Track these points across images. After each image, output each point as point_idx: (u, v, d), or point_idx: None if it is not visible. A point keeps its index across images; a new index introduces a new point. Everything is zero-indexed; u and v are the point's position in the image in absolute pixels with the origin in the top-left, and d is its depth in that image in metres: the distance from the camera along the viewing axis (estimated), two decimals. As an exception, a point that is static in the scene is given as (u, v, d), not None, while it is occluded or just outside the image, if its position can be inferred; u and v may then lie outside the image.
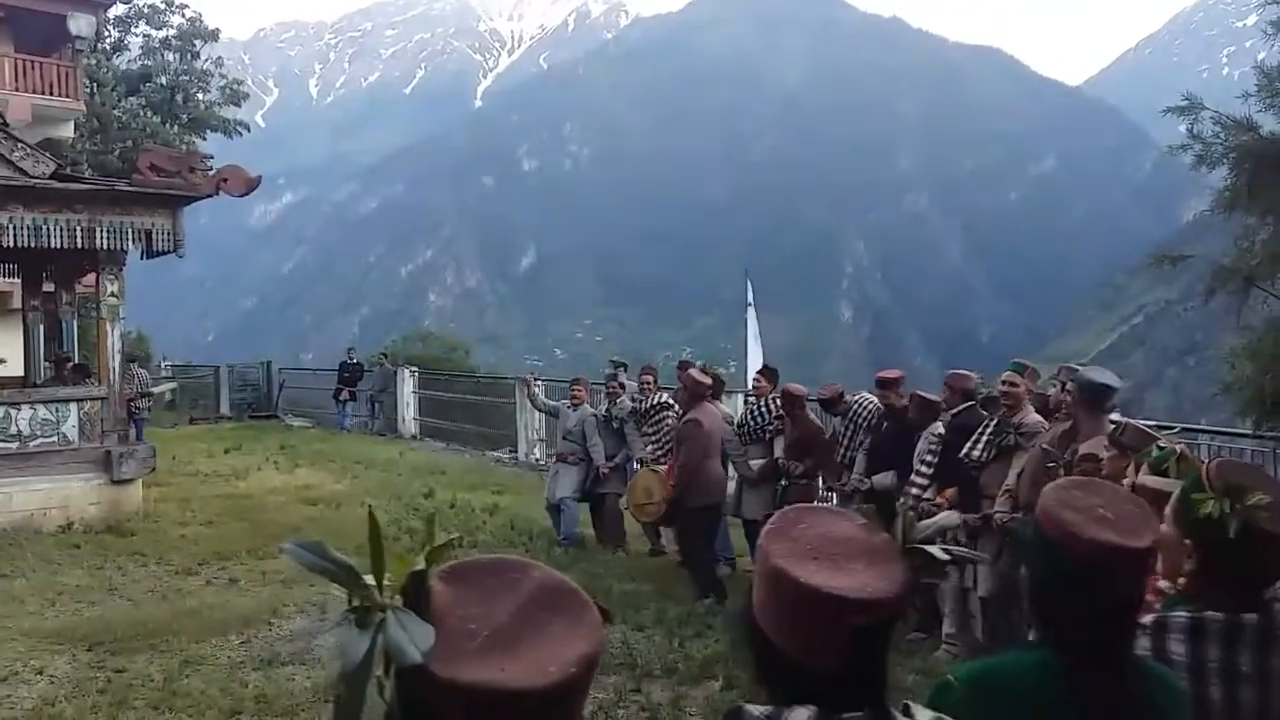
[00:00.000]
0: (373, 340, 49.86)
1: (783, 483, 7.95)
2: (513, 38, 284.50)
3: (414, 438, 18.57)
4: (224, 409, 23.21)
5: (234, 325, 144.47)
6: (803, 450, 7.87)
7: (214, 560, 8.65)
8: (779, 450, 8.09)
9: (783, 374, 8.76)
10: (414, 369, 20.12)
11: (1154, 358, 77.34)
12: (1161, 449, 2.79)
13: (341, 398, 20.54)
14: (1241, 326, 5.27)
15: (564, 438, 9.60)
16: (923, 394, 6.97)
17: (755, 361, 14.85)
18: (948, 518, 1.46)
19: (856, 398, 7.74)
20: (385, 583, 0.95)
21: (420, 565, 0.95)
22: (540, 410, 10.95)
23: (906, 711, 1.30)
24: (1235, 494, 1.81)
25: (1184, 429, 7.98)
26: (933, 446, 6.51)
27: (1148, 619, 1.89)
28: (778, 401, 8.25)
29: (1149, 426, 5.47)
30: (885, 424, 7.18)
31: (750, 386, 9.83)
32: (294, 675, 5.78)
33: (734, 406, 11.57)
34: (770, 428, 8.25)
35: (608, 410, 9.50)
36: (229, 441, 16.79)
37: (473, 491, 11.95)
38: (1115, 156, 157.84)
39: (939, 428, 6.62)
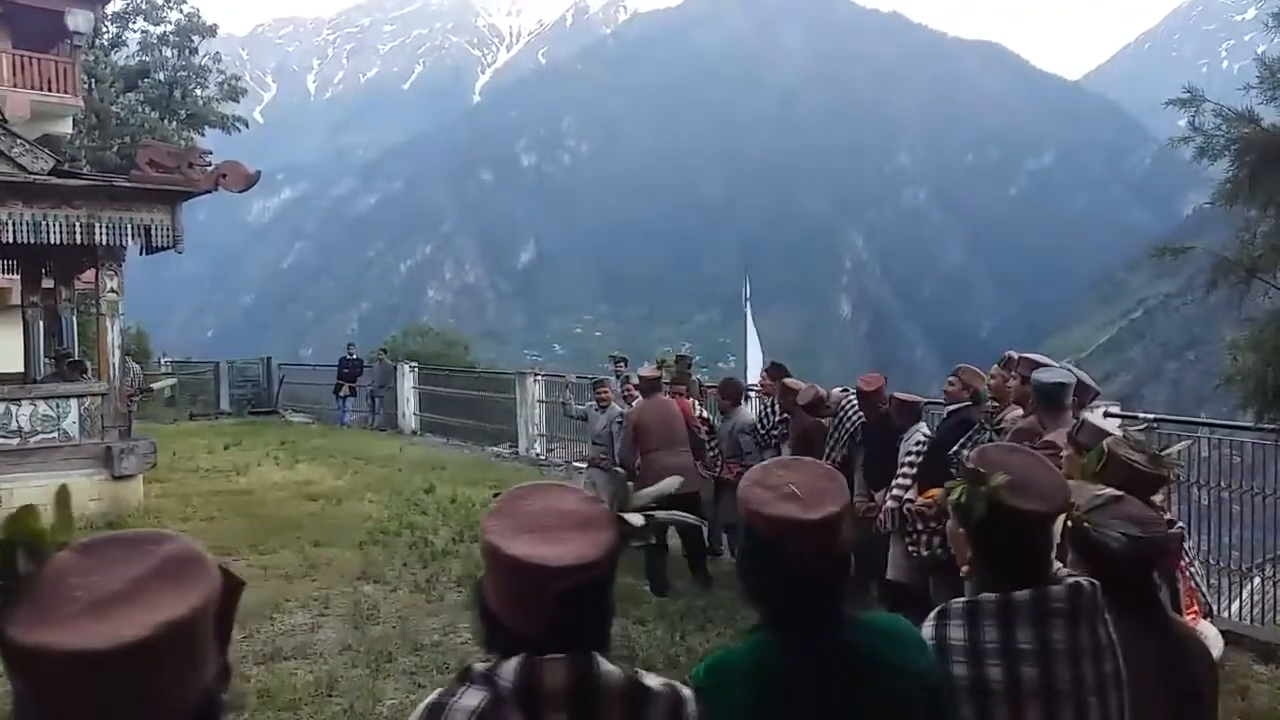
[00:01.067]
0: (372, 336, 49.90)
1: None
2: (511, 33, 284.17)
3: (414, 433, 18.58)
4: (224, 405, 23.21)
5: (233, 321, 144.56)
6: (806, 448, 7.45)
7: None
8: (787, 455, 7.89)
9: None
10: (414, 364, 20.12)
11: (1154, 352, 77.37)
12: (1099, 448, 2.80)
13: (341, 393, 20.54)
14: (1243, 318, 5.27)
15: (594, 441, 9.30)
16: (900, 396, 6.78)
17: (755, 358, 14.84)
18: (668, 483, 1.59)
19: (844, 399, 7.43)
20: None
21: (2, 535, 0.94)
22: (573, 418, 10.63)
23: (637, 676, 1.43)
24: (976, 477, 1.86)
25: (1184, 422, 8.00)
26: (916, 447, 6.33)
27: (932, 613, 1.91)
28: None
29: (1124, 422, 5.48)
30: (877, 434, 6.88)
31: (757, 385, 9.58)
32: (295, 670, 5.78)
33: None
34: (776, 432, 7.96)
35: (623, 413, 8.97)
36: (229, 437, 16.79)
37: (473, 487, 11.94)
38: (1114, 151, 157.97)
39: (923, 428, 6.53)
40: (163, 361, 27.26)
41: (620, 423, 8.81)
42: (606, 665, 1.38)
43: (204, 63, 28.94)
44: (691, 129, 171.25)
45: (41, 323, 15.38)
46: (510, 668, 1.36)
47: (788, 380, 7.87)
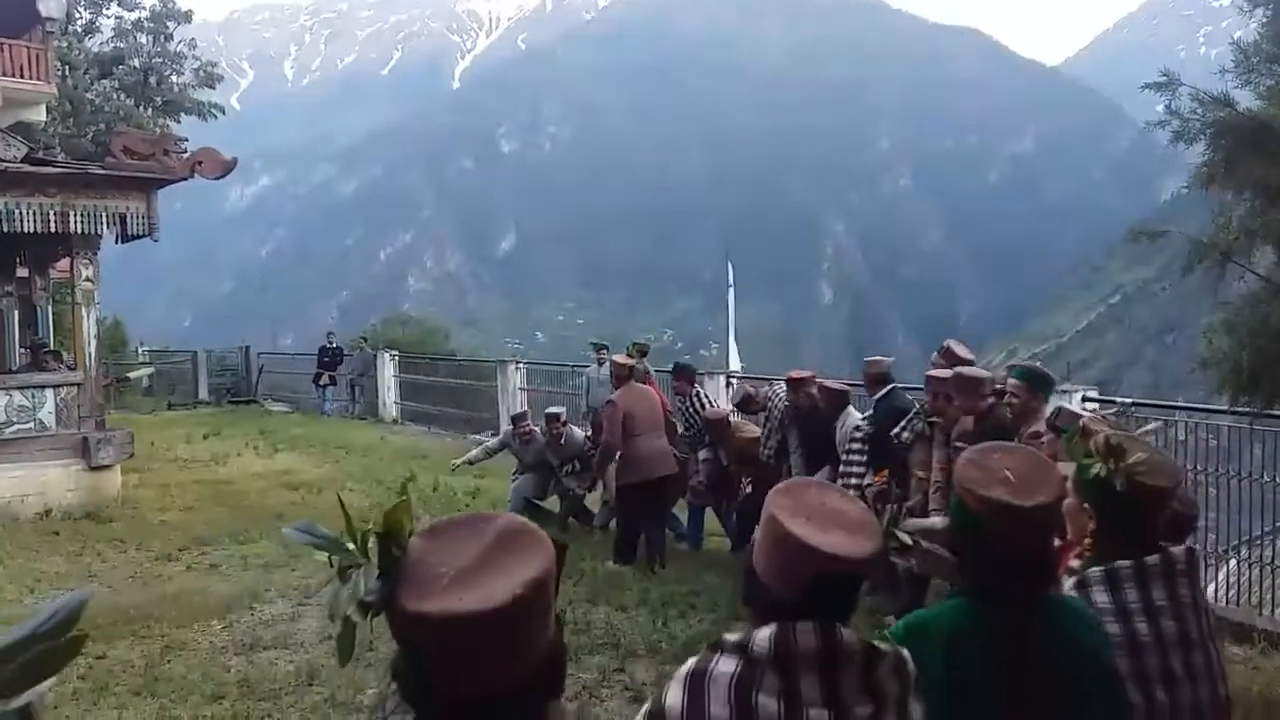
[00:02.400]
0: (352, 324, 49.63)
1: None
2: (490, 19, 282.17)
3: (395, 422, 18.50)
4: (202, 394, 23.04)
5: (211, 310, 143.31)
6: (744, 463, 8.01)
7: (194, 546, 8.61)
8: (724, 456, 8.19)
9: (763, 356, 8.72)
10: (394, 353, 20.03)
11: (1132, 336, 77.89)
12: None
13: (321, 382, 20.44)
14: (1219, 302, 5.31)
15: (530, 465, 9.38)
16: (827, 384, 7.13)
17: (735, 344, 14.89)
18: (934, 521, 1.78)
19: (771, 392, 7.84)
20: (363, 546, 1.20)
21: (382, 529, 1.17)
22: (480, 461, 10.32)
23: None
24: (1117, 454, 2.06)
25: (1162, 406, 8.07)
26: (858, 434, 6.59)
27: (1069, 581, 2.13)
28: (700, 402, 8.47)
29: (1100, 406, 5.53)
30: (810, 420, 7.22)
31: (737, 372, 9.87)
32: (276, 660, 5.76)
33: (715, 389, 11.57)
34: (707, 434, 8.28)
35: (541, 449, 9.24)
36: (208, 427, 16.68)
37: (455, 475, 11.90)
38: (1093, 137, 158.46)
39: (855, 415, 6.75)
40: (140, 350, 27.04)
41: (543, 454, 9.10)
42: (847, 632, 1.57)
43: (179, 49, 28.60)
44: (673, 115, 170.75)
45: (16, 312, 15.25)
46: (764, 636, 1.55)
47: (708, 412, 8.33)
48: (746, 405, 8.16)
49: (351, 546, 1.19)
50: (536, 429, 9.29)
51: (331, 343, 21.11)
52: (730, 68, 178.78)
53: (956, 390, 5.47)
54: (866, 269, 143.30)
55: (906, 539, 1.73)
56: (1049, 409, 4.96)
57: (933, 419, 5.77)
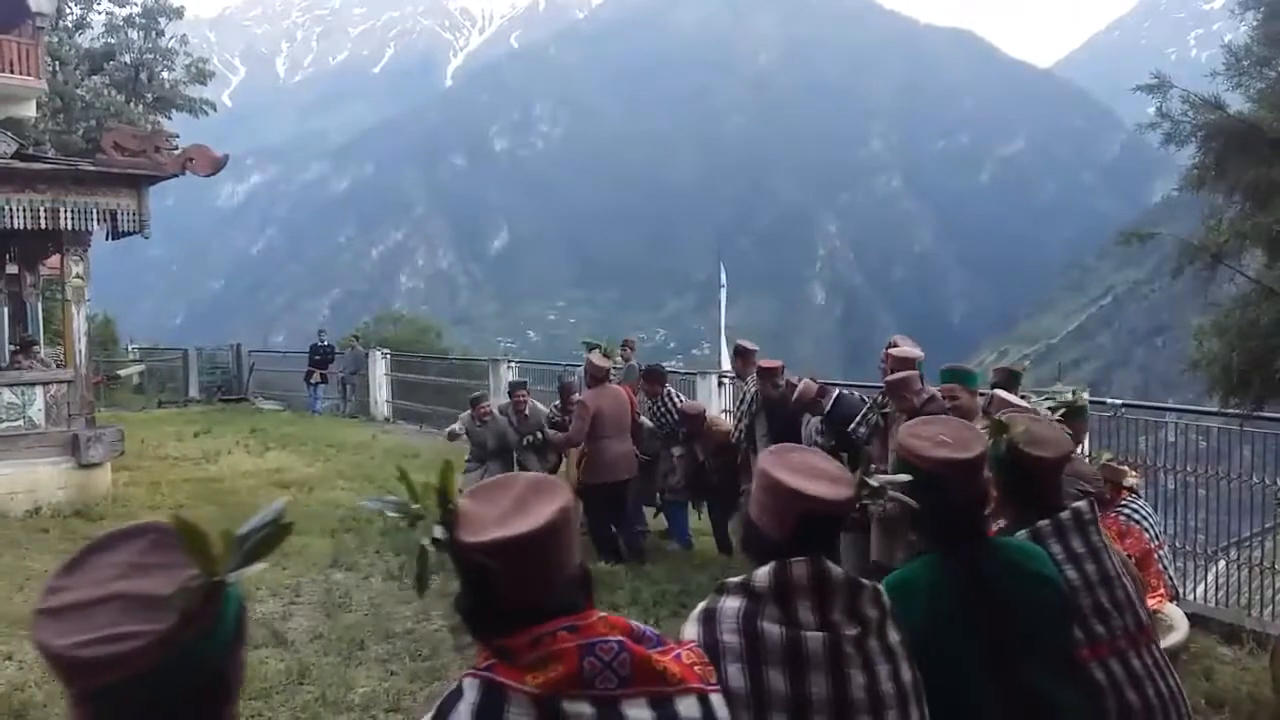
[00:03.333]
0: (344, 322, 49.54)
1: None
2: (483, 16, 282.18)
3: (386, 420, 18.46)
4: (193, 392, 22.93)
5: (202, 307, 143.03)
6: (719, 455, 8.08)
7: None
8: (701, 453, 8.25)
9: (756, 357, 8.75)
10: (386, 351, 19.99)
11: (1122, 338, 78.17)
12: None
13: (312, 380, 20.37)
14: (1210, 304, 5.32)
15: (488, 450, 9.17)
16: (795, 381, 7.28)
17: (727, 344, 14.88)
18: (901, 477, 2.10)
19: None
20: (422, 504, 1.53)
21: (438, 488, 1.50)
22: (457, 436, 10.15)
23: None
24: (1000, 429, 2.38)
25: (1151, 408, 8.10)
26: (818, 440, 6.75)
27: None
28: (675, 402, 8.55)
29: (1094, 408, 5.56)
30: (778, 411, 7.34)
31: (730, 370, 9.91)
32: (267, 658, 5.74)
33: (708, 388, 11.60)
34: (683, 430, 8.33)
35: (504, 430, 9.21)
36: (198, 425, 16.62)
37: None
38: (1084, 138, 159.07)
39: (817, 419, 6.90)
40: (130, 348, 26.94)
41: (504, 436, 8.98)
42: (833, 566, 1.83)
43: (171, 45, 28.48)
44: (665, 113, 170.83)
45: (6, 309, 15.17)
46: (764, 573, 1.81)
47: (685, 405, 8.48)
48: (742, 358, 8.42)
49: (415, 506, 1.51)
50: (495, 409, 9.23)
51: (323, 341, 21.04)
52: (723, 68, 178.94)
53: (889, 395, 5.82)
54: (859, 270, 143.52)
55: (875, 484, 1.96)
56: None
57: (886, 410, 5.94)
